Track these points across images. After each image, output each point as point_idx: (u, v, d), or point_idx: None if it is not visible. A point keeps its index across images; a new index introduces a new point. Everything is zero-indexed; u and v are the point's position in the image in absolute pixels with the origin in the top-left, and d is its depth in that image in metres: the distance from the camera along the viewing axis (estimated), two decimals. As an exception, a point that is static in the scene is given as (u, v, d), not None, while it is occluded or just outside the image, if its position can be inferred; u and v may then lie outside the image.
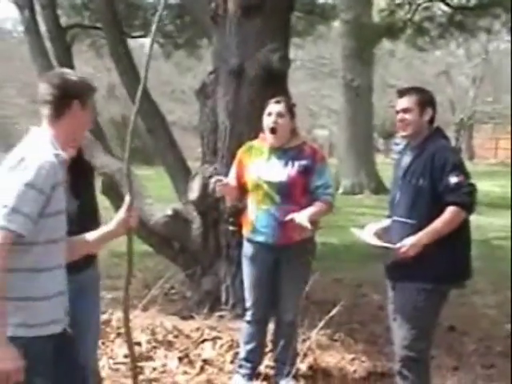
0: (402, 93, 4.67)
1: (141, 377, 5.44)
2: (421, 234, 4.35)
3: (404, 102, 4.57)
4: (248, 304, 5.34)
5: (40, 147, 3.14)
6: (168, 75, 34.74)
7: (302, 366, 5.56)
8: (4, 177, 3.08)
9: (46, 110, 3.24)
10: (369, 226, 4.78)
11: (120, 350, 5.72)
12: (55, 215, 3.11)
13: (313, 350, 5.79)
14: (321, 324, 5.82)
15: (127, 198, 3.57)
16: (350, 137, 23.97)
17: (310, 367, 5.61)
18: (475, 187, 4.43)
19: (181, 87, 36.83)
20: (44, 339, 3.13)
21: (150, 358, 5.78)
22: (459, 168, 4.40)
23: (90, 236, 3.54)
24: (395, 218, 4.57)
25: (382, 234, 4.69)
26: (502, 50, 35.37)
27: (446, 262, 4.41)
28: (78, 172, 3.85)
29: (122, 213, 3.54)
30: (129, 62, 8.49)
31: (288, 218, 4.91)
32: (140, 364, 5.63)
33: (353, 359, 5.93)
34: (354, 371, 5.71)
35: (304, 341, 5.85)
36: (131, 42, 11.35)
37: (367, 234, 4.67)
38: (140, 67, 8.70)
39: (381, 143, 48.03)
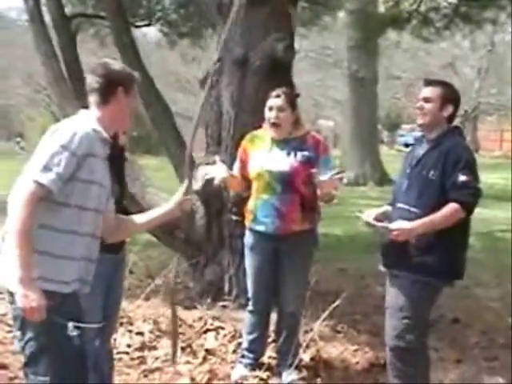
0: (428, 82, 4.65)
1: (143, 366, 5.45)
2: (416, 222, 4.36)
3: (426, 92, 4.54)
4: (250, 294, 5.34)
5: (80, 121, 3.43)
6: (173, 65, 34.71)
7: (305, 356, 5.55)
8: (44, 140, 3.36)
9: (93, 98, 3.55)
10: (368, 211, 4.77)
11: (123, 339, 5.73)
12: (86, 183, 3.36)
13: (315, 341, 5.79)
14: (324, 315, 5.81)
15: (186, 182, 4.06)
16: (354, 128, 23.99)
17: (313, 358, 5.61)
18: (481, 191, 4.43)
19: (186, 77, 36.78)
20: (62, 296, 3.31)
21: (152, 348, 5.78)
22: (470, 168, 4.39)
23: (143, 217, 3.94)
24: (400, 204, 4.56)
25: (381, 218, 4.69)
26: (507, 42, 35.25)
27: (445, 258, 4.41)
28: (120, 160, 4.19)
29: (179, 195, 3.97)
30: (133, 52, 8.45)
31: (314, 170, 4.92)
32: (142, 354, 5.65)
33: (355, 350, 5.93)
34: (357, 362, 5.71)
35: (307, 332, 5.84)
36: (135, 32, 11.32)
37: (367, 216, 4.69)
38: (144, 57, 8.69)
39: (385, 135, 48.02)
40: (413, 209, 4.43)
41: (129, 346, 5.75)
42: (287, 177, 5.05)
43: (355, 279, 8.75)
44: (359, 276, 8.96)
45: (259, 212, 5.13)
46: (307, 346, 5.64)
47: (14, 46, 35.96)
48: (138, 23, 12.39)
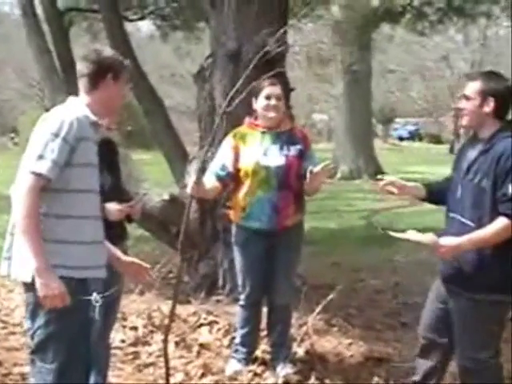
0: (469, 77, 4.30)
1: (137, 361, 5.45)
2: (465, 238, 3.96)
3: (467, 89, 4.11)
4: (241, 288, 5.33)
5: (69, 108, 3.48)
6: (167, 59, 34.67)
7: (299, 350, 5.55)
8: (35, 131, 3.41)
9: (82, 83, 3.58)
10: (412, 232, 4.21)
11: (116, 334, 5.71)
12: (82, 166, 3.39)
13: (309, 335, 5.79)
14: (318, 309, 5.82)
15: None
16: (348, 122, 24.04)
17: (307, 352, 5.60)
18: None
19: (180, 71, 36.76)
20: (79, 281, 3.36)
21: (146, 343, 5.78)
22: None
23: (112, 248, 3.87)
24: (454, 215, 4.14)
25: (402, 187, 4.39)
26: (500, 36, 35.36)
27: (506, 272, 4.02)
28: (112, 151, 4.33)
29: (138, 265, 3.89)
30: (126, 46, 8.43)
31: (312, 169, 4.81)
32: (136, 349, 5.64)
33: (350, 344, 5.92)
34: (351, 356, 5.70)
35: (301, 326, 5.84)
36: (128, 26, 11.31)
37: (407, 234, 4.18)
38: (137, 51, 8.67)
39: (379, 128, 48.06)
40: (467, 221, 4.03)
41: (123, 341, 5.74)
42: (284, 171, 5.02)
43: (349, 273, 8.75)
44: (353, 270, 8.96)
45: (254, 209, 5.08)
46: (301, 340, 5.64)
47: (7, 40, 35.90)
48: (131, 17, 12.37)
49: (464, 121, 4.15)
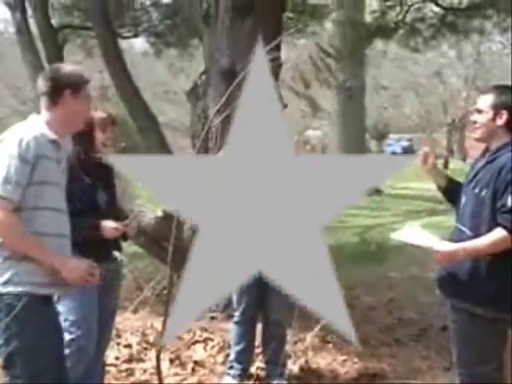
0: (483, 91, 4.32)
1: (131, 378, 5.43)
2: (460, 246, 3.92)
3: (479, 102, 4.12)
4: (236, 305, 5.32)
5: (27, 127, 3.48)
6: (161, 76, 34.75)
7: (294, 367, 5.54)
8: None
9: (42, 101, 3.59)
10: (413, 227, 4.28)
11: (111, 351, 5.70)
12: (40, 184, 3.40)
13: (304, 352, 5.78)
14: (317, 328, 5.81)
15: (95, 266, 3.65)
16: (342, 138, 24.04)
17: (302, 369, 5.59)
18: None
19: (174, 88, 36.83)
20: (35, 298, 3.36)
21: (140, 360, 5.76)
22: None
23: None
24: (457, 224, 4.12)
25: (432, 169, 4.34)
26: (493, 51, 35.52)
27: (502, 288, 3.94)
28: (107, 169, 4.30)
29: (85, 268, 3.57)
30: (120, 62, 8.45)
31: None
32: (130, 366, 5.62)
33: (344, 360, 5.91)
34: (346, 372, 5.69)
35: (295, 342, 5.83)
36: (122, 43, 11.32)
37: (409, 234, 4.20)
38: (131, 68, 8.68)
39: (373, 144, 48.13)
40: (466, 230, 4.00)
41: (117, 358, 5.72)
42: None
43: (343, 290, 8.67)
44: (347, 286, 8.93)
45: None
46: (297, 357, 5.63)
47: (1, 58, 35.90)
48: (124, 34, 12.41)
49: (476, 134, 4.12)
